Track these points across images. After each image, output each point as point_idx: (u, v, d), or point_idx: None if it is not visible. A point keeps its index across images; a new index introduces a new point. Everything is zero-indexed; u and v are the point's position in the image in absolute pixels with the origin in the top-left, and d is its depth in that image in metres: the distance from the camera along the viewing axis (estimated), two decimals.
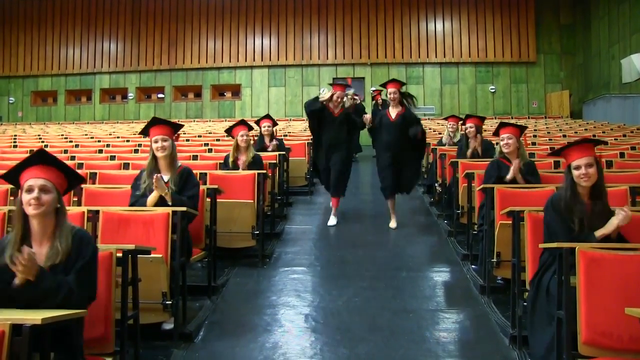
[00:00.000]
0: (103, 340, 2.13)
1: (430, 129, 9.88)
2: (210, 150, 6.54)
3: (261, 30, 14.75)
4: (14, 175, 2.04)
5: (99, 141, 8.07)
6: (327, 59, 14.54)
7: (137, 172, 3.50)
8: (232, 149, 4.81)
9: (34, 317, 1.59)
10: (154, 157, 3.31)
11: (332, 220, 5.36)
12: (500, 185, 3.61)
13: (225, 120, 13.31)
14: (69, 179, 2.10)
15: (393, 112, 5.15)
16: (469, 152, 5.29)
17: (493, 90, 14.26)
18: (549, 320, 2.40)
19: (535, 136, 8.10)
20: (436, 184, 6.04)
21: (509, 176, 3.81)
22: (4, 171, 2.16)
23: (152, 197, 3.21)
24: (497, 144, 4.27)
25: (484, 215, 3.75)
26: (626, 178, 4.18)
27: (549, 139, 7.63)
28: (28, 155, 2.07)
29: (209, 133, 9.21)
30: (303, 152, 7.03)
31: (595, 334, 2.09)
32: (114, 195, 3.67)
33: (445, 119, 6.96)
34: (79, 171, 4.83)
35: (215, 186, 3.74)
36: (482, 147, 5.30)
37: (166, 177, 3.30)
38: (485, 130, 7.10)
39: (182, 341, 2.93)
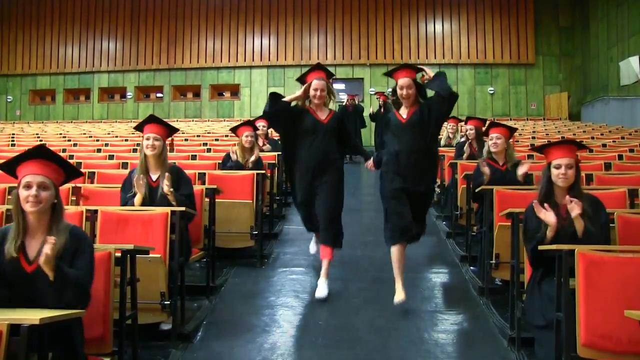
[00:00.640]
0: (101, 340, 2.12)
1: None
2: (209, 150, 6.53)
3: (260, 30, 14.74)
4: (11, 167, 2.03)
5: (97, 140, 8.06)
6: (326, 59, 14.53)
7: None
8: (237, 149, 4.79)
9: (32, 317, 1.58)
10: (145, 156, 3.30)
11: (321, 290, 3.50)
12: (500, 187, 3.61)
13: (224, 120, 13.31)
14: (66, 174, 2.09)
15: (404, 111, 3.43)
16: (464, 156, 5.26)
17: (492, 92, 14.28)
18: (544, 329, 2.39)
19: (533, 138, 8.11)
20: (435, 185, 6.03)
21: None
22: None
23: (137, 199, 3.20)
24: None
25: (482, 217, 3.75)
26: (624, 180, 4.19)
27: (548, 141, 7.64)
28: (28, 149, 2.05)
29: (208, 133, 9.20)
30: None
31: (595, 336, 2.09)
32: (113, 195, 3.66)
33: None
34: None
35: (214, 186, 3.73)
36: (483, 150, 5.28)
37: (155, 176, 3.29)
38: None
39: (180, 341, 2.92)
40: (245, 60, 14.73)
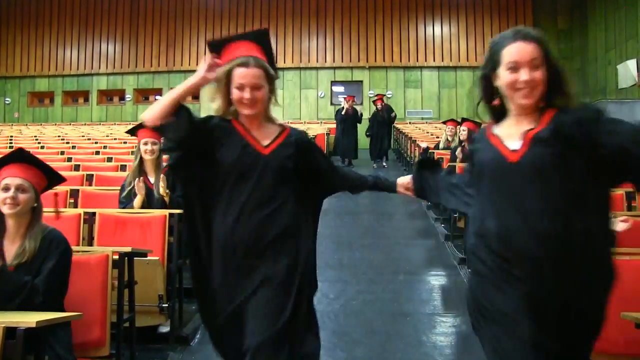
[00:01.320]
0: (99, 343, 2.11)
1: (428, 132, 9.92)
2: None
3: None
4: None
5: (96, 142, 8.05)
6: (325, 62, 14.56)
7: None
8: None
9: (28, 319, 1.58)
10: (141, 160, 3.29)
11: None
12: None
13: None
14: (48, 178, 2.08)
15: (514, 131, 1.46)
16: (457, 160, 5.24)
17: None
18: None
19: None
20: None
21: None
22: None
23: (137, 201, 3.20)
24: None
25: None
26: None
27: None
28: (7, 153, 2.06)
29: None
30: None
31: None
32: (111, 197, 3.66)
33: (444, 122, 6.98)
34: (75, 173, 4.85)
35: None
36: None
37: (152, 179, 3.29)
38: None
39: (178, 344, 2.92)
40: None
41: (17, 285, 1.87)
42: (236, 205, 1.74)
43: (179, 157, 1.78)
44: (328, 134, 9.84)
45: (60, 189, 3.56)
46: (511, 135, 1.47)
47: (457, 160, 5.22)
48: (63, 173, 4.98)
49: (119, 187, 3.68)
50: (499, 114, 1.55)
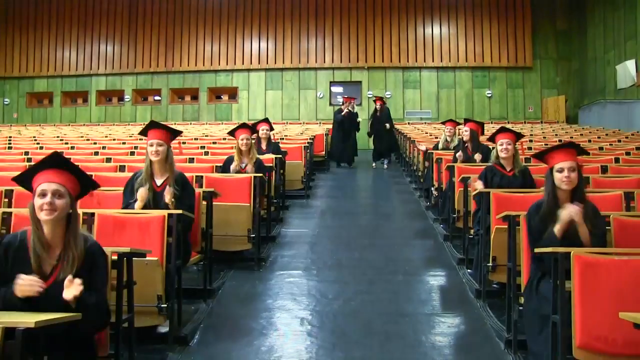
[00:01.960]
0: (98, 343, 2.11)
1: (427, 133, 9.92)
2: (206, 153, 6.53)
3: (258, 34, 14.76)
4: (27, 178, 1.99)
5: (95, 143, 8.04)
6: (324, 62, 14.56)
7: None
8: (235, 153, 4.79)
9: (27, 320, 1.58)
10: (150, 161, 3.30)
11: None
12: (497, 190, 3.62)
13: (222, 123, 13.30)
14: (82, 184, 2.05)
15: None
16: (459, 160, 5.23)
17: (489, 95, 14.32)
18: (541, 320, 2.40)
19: (531, 141, 8.13)
20: (432, 188, 6.05)
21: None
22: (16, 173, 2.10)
23: (136, 206, 3.20)
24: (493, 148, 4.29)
25: (480, 219, 3.76)
26: (621, 183, 4.20)
27: (545, 144, 7.66)
28: (42, 158, 2.02)
29: (206, 136, 9.20)
30: (300, 155, 7.04)
31: (590, 338, 2.09)
32: (110, 198, 3.66)
33: (443, 123, 6.99)
34: None
35: (212, 189, 3.73)
36: (481, 153, 5.29)
37: (159, 181, 3.29)
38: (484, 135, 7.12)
39: (177, 344, 2.91)
40: (243, 64, 14.75)
41: (92, 309, 1.87)
42: None
43: None
44: (327, 135, 9.82)
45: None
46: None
47: (458, 161, 5.22)
48: None
49: (119, 188, 3.69)
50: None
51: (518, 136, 4.08)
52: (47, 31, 15.32)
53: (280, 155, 5.88)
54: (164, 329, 2.97)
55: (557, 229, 2.50)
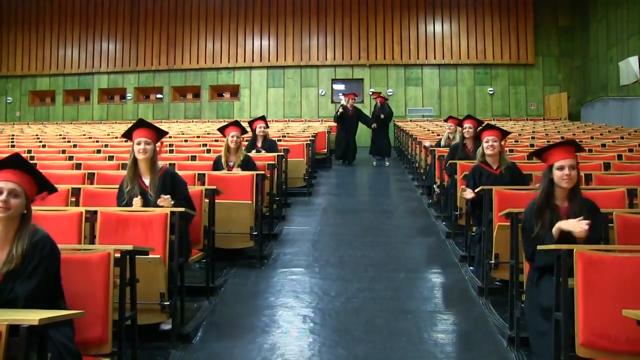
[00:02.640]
0: (101, 341, 2.12)
1: (429, 130, 9.90)
2: (208, 151, 6.53)
3: (260, 31, 14.74)
4: None
5: (97, 141, 8.06)
6: (326, 60, 14.54)
7: None
8: (223, 150, 4.78)
9: (31, 317, 1.59)
10: (135, 161, 3.30)
11: None
12: (499, 187, 3.61)
13: (224, 121, 13.28)
14: (39, 185, 2.08)
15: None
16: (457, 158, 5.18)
17: (491, 92, 14.28)
18: (542, 318, 2.39)
19: (533, 138, 8.11)
20: (434, 186, 6.04)
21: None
22: None
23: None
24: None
25: (480, 217, 3.75)
26: (623, 180, 4.19)
27: (547, 141, 7.64)
28: (2, 158, 2.04)
29: (208, 134, 9.20)
30: (302, 153, 7.04)
31: (593, 335, 2.09)
32: (112, 196, 3.66)
33: (445, 120, 6.97)
34: (76, 171, 4.86)
35: (214, 187, 3.73)
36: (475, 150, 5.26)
37: (147, 180, 3.30)
38: None
39: (180, 342, 2.92)
40: (245, 61, 14.74)
41: (7, 298, 1.87)
42: None
43: None
44: (329, 132, 9.80)
45: (61, 187, 3.57)
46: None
47: (457, 157, 5.19)
48: (64, 172, 4.99)
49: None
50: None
51: (504, 133, 4.05)
52: (50, 30, 15.33)
53: (275, 153, 5.86)
54: (166, 326, 2.97)
55: (555, 228, 2.48)
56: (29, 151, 6.59)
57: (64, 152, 6.64)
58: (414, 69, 14.43)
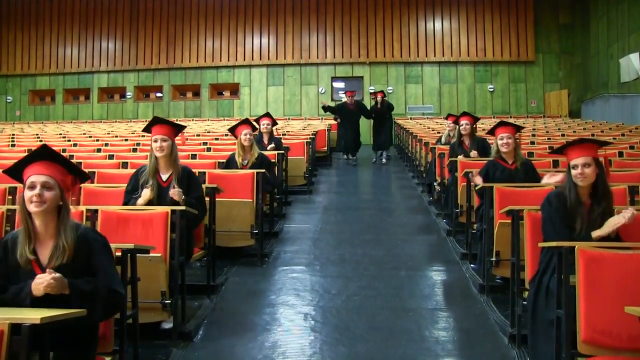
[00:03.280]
0: (102, 339, 2.12)
1: (429, 128, 9.89)
2: (209, 150, 6.53)
3: (260, 30, 14.72)
4: (16, 171, 2.00)
5: (97, 140, 8.05)
6: (326, 58, 14.52)
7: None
8: (237, 148, 4.77)
9: (33, 316, 1.59)
10: (155, 157, 3.31)
11: None
12: (500, 185, 3.60)
13: (224, 119, 13.29)
14: (72, 176, 2.05)
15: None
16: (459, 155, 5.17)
17: (492, 90, 14.26)
18: (549, 326, 2.38)
19: (534, 135, 8.10)
20: (435, 183, 6.03)
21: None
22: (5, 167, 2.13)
23: (141, 201, 3.21)
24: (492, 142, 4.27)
25: (482, 214, 3.75)
26: (625, 177, 4.18)
27: (548, 138, 7.64)
28: (32, 151, 2.03)
29: (208, 132, 9.20)
30: (302, 151, 7.03)
31: (595, 332, 2.09)
32: (113, 194, 3.66)
33: (446, 118, 6.96)
34: None
35: (214, 185, 3.73)
36: (477, 145, 5.26)
37: (165, 176, 3.30)
38: (482, 130, 7.11)
39: (181, 340, 2.93)
40: (244, 60, 14.72)
41: (91, 291, 1.86)
42: None
43: None
44: (329, 130, 9.80)
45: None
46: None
47: (456, 155, 5.19)
48: None
49: (121, 184, 3.69)
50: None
51: (518, 129, 4.06)
52: (49, 29, 15.31)
53: (282, 151, 5.87)
54: (168, 324, 2.98)
55: (596, 234, 2.45)
56: (29, 150, 6.57)
57: (64, 151, 6.64)
58: (414, 67, 14.41)
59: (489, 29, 14.27)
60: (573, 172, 2.55)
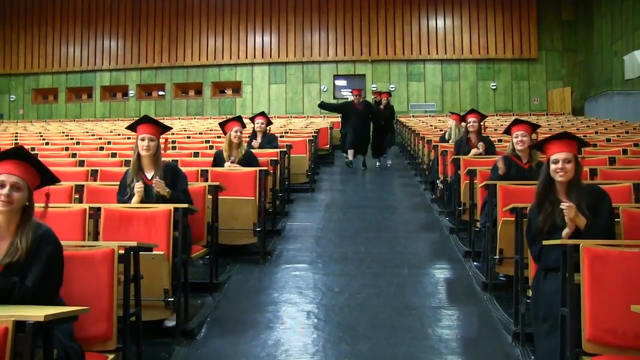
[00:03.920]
0: (105, 337, 2.12)
1: (431, 125, 9.86)
2: (211, 147, 6.53)
3: (262, 28, 14.70)
4: None
5: (100, 138, 8.06)
6: (328, 56, 14.49)
7: None
8: (225, 145, 4.76)
9: (36, 313, 1.59)
10: (139, 156, 3.30)
11: None
12: (504, 182, 3.59)
13: (226, 118, 13.27)
14: (42, 177, 2.07)
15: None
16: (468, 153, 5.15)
17: (494, 87, 14.22)
18: (543, 323, 2.38)
19: (536, 133, 8.05)
20: (438, 181, 6.02)
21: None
22: None
23: (133, 201, 3.21)
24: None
25: (487, 212, 3.73)
26: (629, 175, 4.16)
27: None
28: (5, 150, 2.03)
29: (210, 130, 9.19)
30: (304, 149, 7.03)
31: (600, 331, 2.08)
32: (116, 192, 3.66)
33: (449, 115, 6.93)
34: (80, 168, 4.86)
35: (217, 183, 3.73)
36: (484, 144, 5.24)
37: (149, 175, 3.30)
38: (488, 127, 7.08)
39: (184, 338, 2.93)
40: (246, 58, 14.71)
41: (5, 288, 1.87)
42: None
43: None
44: (331, 128, 9.77)
45: (65, 184, 3.57)
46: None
47: (462, 152, 5.17)
48: (68, 169, 4.99)
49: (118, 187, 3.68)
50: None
51: (534, 127, 4.02)
52: (52, 27, 15.33)
53: (275, 147, 5.83)
54: (170, 322, 2.98)
55: (565, 233, 2.45)
56: (33, 149, 6.59)
57: (67, 149, 6.65)
58: (416, 65, 14.37)
59: (492, 26, 14.22)
60: (552, 166, 2.52)
